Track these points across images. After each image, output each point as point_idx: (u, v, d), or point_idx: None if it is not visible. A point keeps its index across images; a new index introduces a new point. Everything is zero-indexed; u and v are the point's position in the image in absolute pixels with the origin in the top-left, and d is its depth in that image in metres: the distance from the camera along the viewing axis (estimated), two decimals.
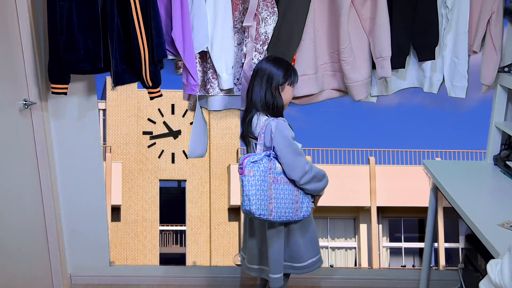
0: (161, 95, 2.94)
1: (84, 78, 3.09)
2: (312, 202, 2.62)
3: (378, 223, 15.51)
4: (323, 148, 15.45)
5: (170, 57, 2.92)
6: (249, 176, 2.42)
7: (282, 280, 2.62)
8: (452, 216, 13.39)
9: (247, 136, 2.61)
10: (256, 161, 2.45)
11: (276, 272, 2.60)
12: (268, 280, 2.63)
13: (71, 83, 2.89)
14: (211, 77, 2.96)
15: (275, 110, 2.57)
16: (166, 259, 16.21)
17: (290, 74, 2.61)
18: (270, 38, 2.90)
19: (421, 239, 14.89)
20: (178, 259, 16.47)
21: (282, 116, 2.60)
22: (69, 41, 2.75)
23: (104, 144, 15.93)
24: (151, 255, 16.04)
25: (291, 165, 2.48)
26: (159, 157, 16.36)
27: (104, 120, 16.45)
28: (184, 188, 16.62)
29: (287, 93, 2.61)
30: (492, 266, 1.55)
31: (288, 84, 2.60)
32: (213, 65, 2.93)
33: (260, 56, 2.91)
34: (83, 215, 3.34)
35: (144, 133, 16.42)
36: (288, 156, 2.48)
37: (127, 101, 16.29)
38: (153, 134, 16.42)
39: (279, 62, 2.64)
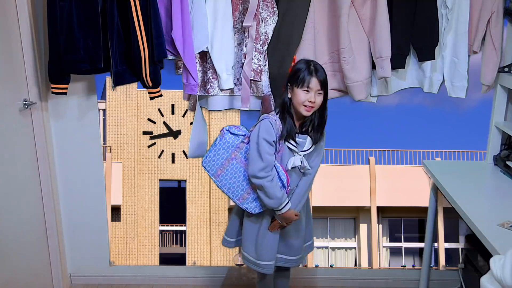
0: (161, 95, 2.94)
1: (84, 78, 3.09)
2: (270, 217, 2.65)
3: (378, 223, 15.50)
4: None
5: (170, 57, 2.92)
6: (219, 137, 2.65)
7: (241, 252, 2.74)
8: (452, 216, 13.38)
9: None
10: (233, 133, 2.63)
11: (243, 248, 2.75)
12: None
13: (71, 83, 2.89)
14: (211, 77, 2.96)
15: (278, 108, 2.58)
16: (166, 259, 16.21)
17: (296, 76, 2.52)
18: (270, 38, 2.90)
19: (421, 239, 14.88)
20: (178, 259, 16.47)
21: (288, 117, 2.54)
22: (69, 41, 2.75)
23: (104, 144, 15.92)
24: (151, 255, 16.04)
25: (250, 160, 2.56)
26: (159, 157, 16.36)
27: (104, 120, 16.44)
28: (184, 188, 16.63)
29: (294, 95, 2.52)
30: (495, 261, 1.57)
31: (296, 86, 2.51)
32: (213, 65, 2.93)
33: (260, 56, 2.91)
34: (83, 215, 3.34)
35: (144, 133, 16.41)
36: (252, 151, 2.55)
37: (127, 101, 16.28)
38: (153, 134, 16.42)
39: (295, 64, 2.60)
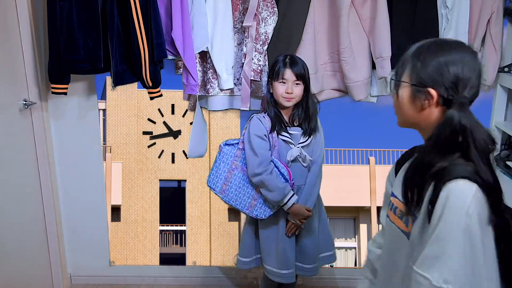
0: (161, 95, 2.94)
1: (84, 78, 3.09)
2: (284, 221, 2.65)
3: (378, 223, 15.49)
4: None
5: (170, 57, 2.92)
6: (218, 153, 2.67)
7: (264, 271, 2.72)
8: None
9: None
10: (228, 144, 2.68)
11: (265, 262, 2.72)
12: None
13: (71, 83, 2.88)
14: (211, 77, 2.96)
15: (265, 106, 2.65)
16: (166, 259, 16.20)
17: (273, 70, 2.60)
18: (270, 38, 2.90)
19: None
20: (178, 259, 16.46)
21: (272, 109, 2.60)
22: (69, 41, 2.75)
23: (104, 144, 15.92)
24: (151, 255, 16.04)
25: (247, 160, 2.60)
26: (159, 157, 16.36)
27: (104, 120, 16.43)
28: (184, 188, 16.63)
29: (274, 89, 2.60)
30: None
31: (274, 80, 2.60)
32: (213, 65, 2.93)
33: (260, 56, 2.91)
34: (83, 215, 3.33)
35: (144, 133, 16.41)
36: (247, 151, 2.60)
37: (127, 101, 16.28)
38: (153, 134, 16.42)
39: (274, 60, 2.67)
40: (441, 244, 1.28)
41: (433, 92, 1.37)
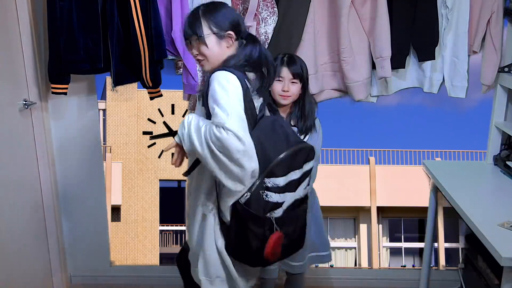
0: (161, 95, 2.94)
1: (84, 78, 3.09)
2: None
3: (378, 223, 15.50)
4: (323, 148, 15.42)
5: (170, 57, 2.92)
6: None
7: None
8: (452, 216, 13.39)
9: None
10: None
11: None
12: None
13: (71, 83, 2.89)
14: None
15: None
16: (166, 259, 16.20)
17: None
18: (270, 38, 2.90)
19: (421, 239, 14.88)
20: None
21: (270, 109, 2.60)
22: (69, 41, 2.75)
23: (104, 144, 15.92)
24: (151, 255, 16.04)
25: None
26: (159, 157, 16.36)
27: (104, 120, 16.44)
28: (184, 188, 16.62)
29: (272, 87, 2.57)
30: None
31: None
32: None
33: None
34: (83, 215, 3.34)
35: (144, 133, 16.41)
36: None
37: (127, 101, 16.28)
38: (153, 134, 16.42)
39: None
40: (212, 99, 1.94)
41: (231, 33, 2.08)
